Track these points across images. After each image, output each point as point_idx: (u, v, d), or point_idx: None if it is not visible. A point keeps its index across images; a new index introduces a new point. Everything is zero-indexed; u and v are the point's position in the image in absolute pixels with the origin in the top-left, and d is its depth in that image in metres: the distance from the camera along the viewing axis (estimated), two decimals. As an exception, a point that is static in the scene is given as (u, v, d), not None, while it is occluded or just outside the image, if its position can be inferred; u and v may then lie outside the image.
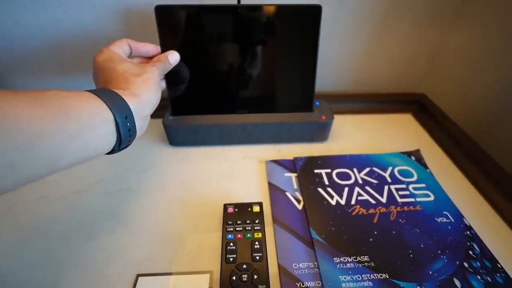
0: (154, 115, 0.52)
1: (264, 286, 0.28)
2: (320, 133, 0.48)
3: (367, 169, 0.43)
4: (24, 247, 0.34)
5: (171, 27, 0.41)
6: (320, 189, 0.40)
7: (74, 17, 0.47)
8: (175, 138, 0.47)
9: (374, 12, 0.51)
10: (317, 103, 0.49)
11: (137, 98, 0.29)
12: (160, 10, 0.39)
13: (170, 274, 0.31)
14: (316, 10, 0.41)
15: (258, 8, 0.41)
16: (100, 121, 0.25)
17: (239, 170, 0.44)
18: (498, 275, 0.31)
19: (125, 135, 0.27)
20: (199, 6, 0.40)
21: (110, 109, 0.25)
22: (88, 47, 0.51)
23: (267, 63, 0.44)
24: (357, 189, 0.40)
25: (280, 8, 0.41)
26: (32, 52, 0.51)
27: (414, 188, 0.41)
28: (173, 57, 0.39)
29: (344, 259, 0.32)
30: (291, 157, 0.46)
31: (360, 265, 0.31)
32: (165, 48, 0.41)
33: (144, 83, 0.31)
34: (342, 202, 0.39)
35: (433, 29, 0.54)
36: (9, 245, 0.34)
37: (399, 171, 0.43)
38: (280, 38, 0.43)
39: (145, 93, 0.31)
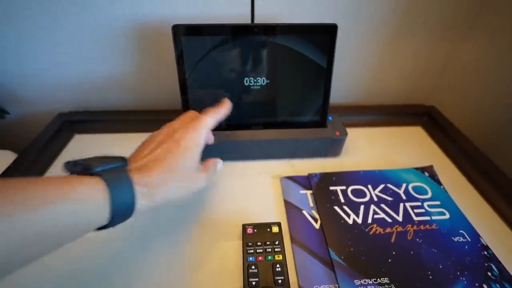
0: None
1: (288, 311, 0.28)
2: (333, 148, 0.48)
3: (382, 186, 0.44)
4: (39, 264, 0.34)
5: (187, 46, 0.41)
6: (336, 207, 0.40)
7: (88, 33, 0.47)
8: (189, 154, 0.47)
9: (386, 25, 0.51)
10: (330, 118, 0.50)
11: (149, 195, 0.27)
12: (177, 29, 0.39)
13: (192, 297, 0.31)
14: (331, 29, 0.41)
15: (273, 27, 0.41)
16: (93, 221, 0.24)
17: (254, 187, 0.44)
18: (517, 297, 0.31)
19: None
20: (215, 26, 0.40)
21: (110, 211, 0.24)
22: (102, 64, 0.52)
23: (281, 81, 0.44)
24: (372, 207, 0.41)
25: (295, 27, 0.41)
26: (44, 66, 0.51)
27: (429, 206, 0.41)
28: (220, 165, 0.39)
29: (365, 281, 0.32)
30: (305, 173, 0.46)
31: (381, 288, 0.32)
32: (181, 66, 0.42)
33: (180, 189, 0.31)
34: (359, 221, 0.39)
35: (445, 42, 0.55)
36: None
37: (413, 188, 0.44)
38: (295, 57, 0.43)
39: (166, 195, 0.29)
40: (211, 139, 0.40)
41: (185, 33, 0.40)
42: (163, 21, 0.47)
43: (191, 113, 0.36)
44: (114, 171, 0.25)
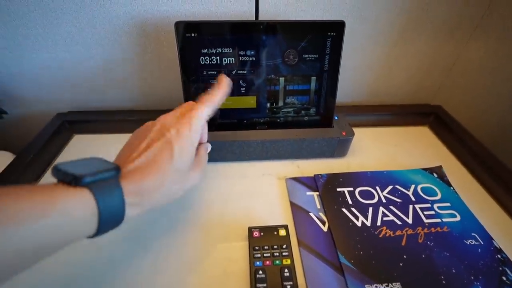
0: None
1: (298, 318, 0.27)
2: (339, 149, 0.47)
3: (390, 187, 0.43)
4: (38, 267, 0.32)
5: (190, 44, 0.40)
6: (344, 209, 0.39)
7: (88, 31, 0.46)
8: (192, 155, 0.46)
9: (393, 24, 0.50)
10: (336, 117, 0.48)
11: (140, 204, 0.26)
12: (180, 26, 0.38)
13: (197, 303, 0.30)
14: (339, 26, 0.40)
15: (279, 24, 0.40)
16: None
17: (259, 188, 0.43)
18: (534, 302, 0.30)
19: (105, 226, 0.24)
20: (219, 23, 0.39)
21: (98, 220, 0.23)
22: (103, 62, 0.51)
23: (287, 79, 0.43)
24: (381, 209, 0.40)
25: (302, 24, 0.40)
26: (43, 65, 0.50)
27: (439, 208, 0.40)
28: (209, 147, 0.38)
29: (376, 286, 0.31)
30: (311, 174, 0.45)
31: (393, 293, 0.31)
32: (184, 64, 0.41)
33: (172, 192, 0.29)
34: (368, 223, 0.38)
35: (451, 42, 0.54)
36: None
37: (422, 189, 0.43)
38: (301, 54, 0.42)
39: (157, 201, 0.28)
40: (205, 134, 0.36)
41: (188, 30, 0.39)
42: (165, 18, 0.46)
43: (187, 104, 0.33)
44: (104, 182, 0.24)
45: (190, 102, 0.33)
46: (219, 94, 0.34)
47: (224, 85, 0.34)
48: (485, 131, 0.52)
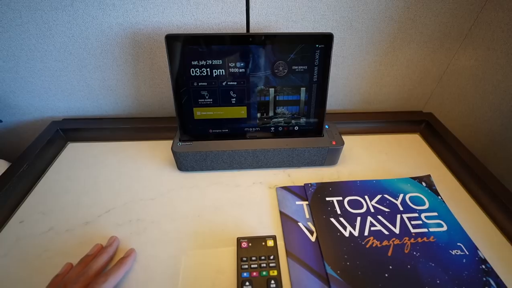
0: (162, 137, 0.53)
1: (282, 330, 0.28)
2: (330, 158, 0.48)
3: (379, 197, 0.43)
4: (32, 282, 0.33)
5: (181, 56, 0.40)
6: (332, 219, 0.40)
7: (81, 41, 0.47)
8: (184, 164, 0.46)
9: (382, 35, 0.51)
10: (327, 126, 0.49)
11: None
12: (171, 39, 0.39)
13: (184, 315, 0.31)
14: (327, 39, 0.40)
15: (269, 37, 0.40)
16: None
17: (250, 197, 0.44)
18: (516, 313, 0.31)
19: None
20: (209, 36, 0.40)
21: None
22: (96, 71, 0.51)
23: (277, 90, 0.44)
24: (369, 218, 0.40)
25: (291, 36, 0.41)
26: (36, 74, 0.51)
27: (427, 217, 0.41)
28: None
29: (361, 297, 0.32)
30: (301, 183, 0.45)
31: (377, 304, 0.31)
32: (175, 76, 0.41)
33: None
34: (356, 233, 0.38)
35: (441, 51, 0.54)
36: (17, 279, 0.34)
37: (411, 198, 0.43)
38: (291, 66, 0.42)
39: None
40: None
41: (178, 43, 0.39)
42: (157, 29, 0.46)
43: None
44: None
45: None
46: (123, 270, 0.33)
47: (130, 260, 0.34)
48: (475, 138, 0.53)
